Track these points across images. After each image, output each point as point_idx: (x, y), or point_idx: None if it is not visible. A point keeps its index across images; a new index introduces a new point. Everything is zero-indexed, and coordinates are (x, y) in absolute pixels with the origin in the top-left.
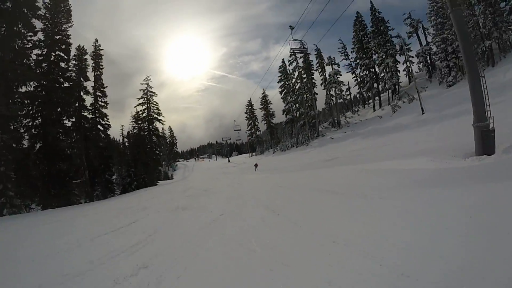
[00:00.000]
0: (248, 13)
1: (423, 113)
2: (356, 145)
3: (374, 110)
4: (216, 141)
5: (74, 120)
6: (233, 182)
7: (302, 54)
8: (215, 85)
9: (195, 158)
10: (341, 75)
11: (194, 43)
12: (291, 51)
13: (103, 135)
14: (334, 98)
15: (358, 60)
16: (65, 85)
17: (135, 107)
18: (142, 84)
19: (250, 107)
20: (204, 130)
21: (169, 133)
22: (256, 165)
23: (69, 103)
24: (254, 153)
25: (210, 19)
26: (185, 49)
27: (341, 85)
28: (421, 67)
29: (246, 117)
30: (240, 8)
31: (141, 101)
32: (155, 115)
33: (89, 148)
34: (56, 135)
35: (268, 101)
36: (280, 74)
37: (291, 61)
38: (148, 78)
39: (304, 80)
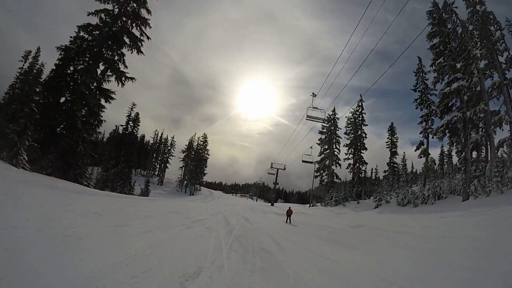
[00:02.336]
0: (323, 70)
1: None
2: None
3: None
4: (264, 183)
5: None
6: None
7: None
8: (276, 132)
9: (233, 193)
10: None
11: (266, 87)
12: None
13: None
14: None
15: None
16: None
17: None
18: None
19: (332, 123)
20: (254, 169)
21: (202, 142)
22: (289, 212)
23: None
24: (318, 204)
25: (285, 68)
26: (256, 91)
27: None
28: None
29: (321, 139)
30: (317, 64)
31: None
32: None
33: None
34: None
35: (363, 119)
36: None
37: None
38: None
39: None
